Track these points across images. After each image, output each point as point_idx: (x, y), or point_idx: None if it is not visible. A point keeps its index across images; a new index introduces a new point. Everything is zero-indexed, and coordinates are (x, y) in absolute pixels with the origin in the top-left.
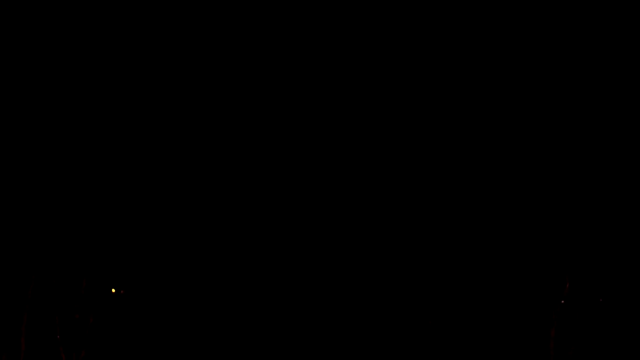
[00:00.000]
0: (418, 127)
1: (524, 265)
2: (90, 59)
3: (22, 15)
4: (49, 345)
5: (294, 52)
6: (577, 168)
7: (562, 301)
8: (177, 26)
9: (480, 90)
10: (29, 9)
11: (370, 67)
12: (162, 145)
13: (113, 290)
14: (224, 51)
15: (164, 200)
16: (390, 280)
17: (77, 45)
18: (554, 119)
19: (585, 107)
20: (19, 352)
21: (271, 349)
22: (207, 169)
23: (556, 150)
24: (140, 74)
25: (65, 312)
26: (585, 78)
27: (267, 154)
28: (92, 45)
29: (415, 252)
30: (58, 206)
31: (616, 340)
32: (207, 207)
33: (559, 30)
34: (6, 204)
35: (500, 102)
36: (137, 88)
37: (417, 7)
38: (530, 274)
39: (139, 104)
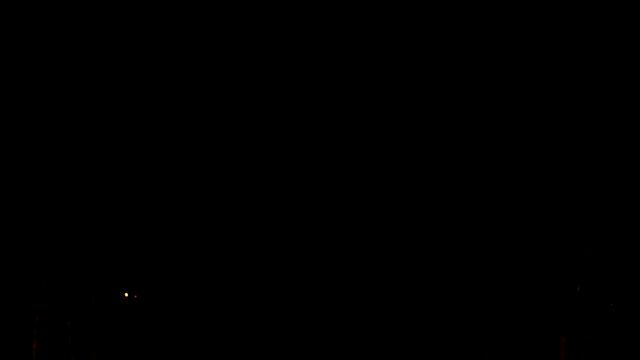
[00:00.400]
0: (421, 128)
1: (534, 271)
2: (92, 60)
3: (23, 15)
4: (61, 349)
5: (293, 53)
6: (590, 173)
7: (573, 306)
8: (177, 26)
9: (485, 91)
10: (30, 9)
11: (370, 68)
12: (174, 156)
13: (126, 295)
14: (224, 51)
15: (173, 206)
16: (397, 283)
17: (78, 45)
18: (563, 121)
19: (593, 108)
20: (31, 356)
21: (276, 350)
22: (215, 177)
23: (568, 155)
24: (142, 75)
25: (76, 316)
26: (590, 78)
27: (268, 156)
28: (93, 46)
29: (424, 255)
30: (70, 212)
31: (627, 346)
32: (215, 214)
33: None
34: (19, 209)
35: (506, 103)
36: (142, 91)
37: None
38: (541, 280)
39: (144, 111)
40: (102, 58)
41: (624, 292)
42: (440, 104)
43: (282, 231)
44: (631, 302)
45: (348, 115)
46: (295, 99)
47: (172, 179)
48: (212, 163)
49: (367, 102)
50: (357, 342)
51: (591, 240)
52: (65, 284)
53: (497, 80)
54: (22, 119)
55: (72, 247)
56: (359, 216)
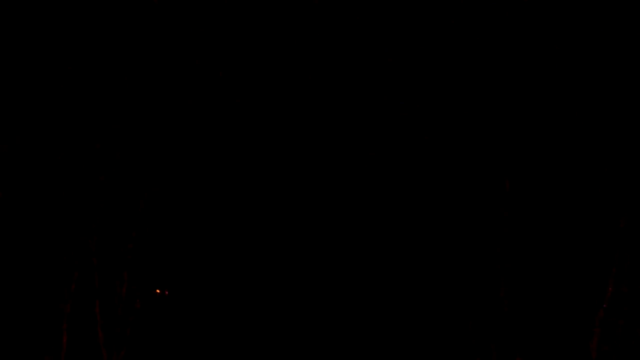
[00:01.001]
0: (419, 129)
1: (564, 269)
2: (91, 59)
3: (23, 14)
4: (90, 342)
5: (294, 52)
6: (621, 176)
7: (605, 305)
8: (177, 26)
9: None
10: (30, 8)
11: (369, 68)
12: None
13: (157, 291)
14: (224, 51)
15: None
16: (397, 283)
17: (78, 45)
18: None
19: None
20: (61, 349)
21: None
22: (216, 179)
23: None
24: (141, 75)
25: (106, 310)
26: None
27: (268, 155)
28: (93, 46)
29: (426, 252)
30: (102, 207)
31: None
32: (217, 215)
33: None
34: (52, 203)
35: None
36: (142, 89)
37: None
38: (571, 279)
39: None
40: (105, 58)
41: None
42: (441, 105)
43: (279, 232)
44: None
45: (346, 118)
46: (294, 99)
47: (176, 179)
48: (215, 165)
49: (363, 104)
50: (354, 342)
51: (625, 234)
52: (97, 277)
53: (502, 77)
54: (31, 119)
55: (103, 241)
56: (357, 217)
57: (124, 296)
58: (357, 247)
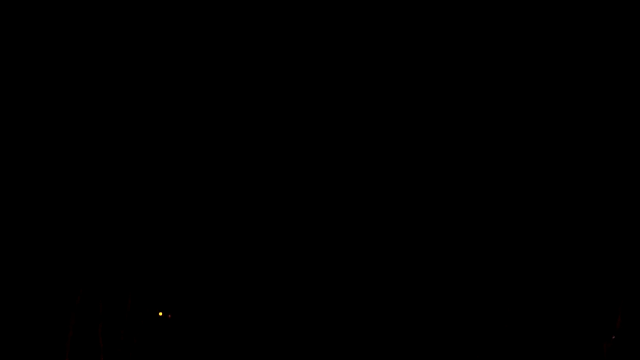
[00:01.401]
0: (420, 129)
1: (573, 298)
2: (91, 60)
3: (24, 15)
4: None
5: (293, 53)
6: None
7: (613, 337)
8: (178, 27)
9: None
10: (31, 9)
11: (370, 69)
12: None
13: (160, 314)
14: (225, 52)
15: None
16: (398, 284)
17: (78, 46)
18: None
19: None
20: None
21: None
22: (218, 180)
23: (616, 179)
24: (141, 75)
25: (109, 332)
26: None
27: (270, 157)
28: (93, 46)
29: (425, 257)
30: (107, 226)
31: None
32: (221, 217)
33: (559, 31)
34: (58, 221)
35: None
36: (142, 92)
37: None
38: (580, 307)
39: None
40: (103, 58)
41: None
42: (440, 104)
43: (283, 233)
44: None
45: (348, 117)
46: (295, 99)
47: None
48: (216, 166)
49: (366, 103)
50: (357, 342)
51: (635, 264)
52: (100, 299)
53: (499, 80)
54: (23, 121)
55: (107, 261)
56: (359, 218)
57: (127, 316)
58: (361, 256)
